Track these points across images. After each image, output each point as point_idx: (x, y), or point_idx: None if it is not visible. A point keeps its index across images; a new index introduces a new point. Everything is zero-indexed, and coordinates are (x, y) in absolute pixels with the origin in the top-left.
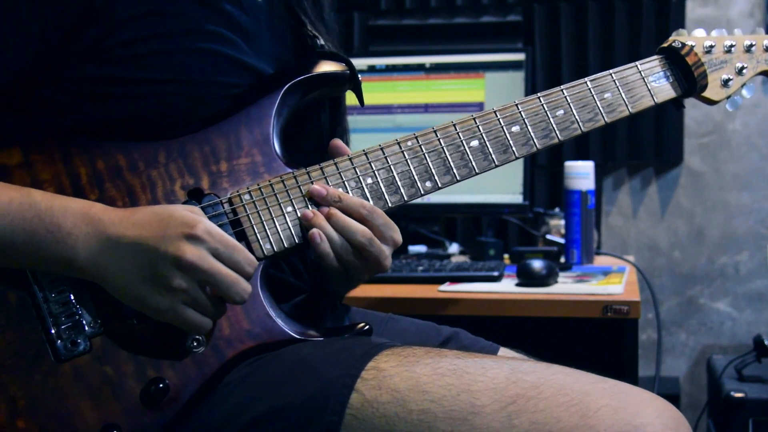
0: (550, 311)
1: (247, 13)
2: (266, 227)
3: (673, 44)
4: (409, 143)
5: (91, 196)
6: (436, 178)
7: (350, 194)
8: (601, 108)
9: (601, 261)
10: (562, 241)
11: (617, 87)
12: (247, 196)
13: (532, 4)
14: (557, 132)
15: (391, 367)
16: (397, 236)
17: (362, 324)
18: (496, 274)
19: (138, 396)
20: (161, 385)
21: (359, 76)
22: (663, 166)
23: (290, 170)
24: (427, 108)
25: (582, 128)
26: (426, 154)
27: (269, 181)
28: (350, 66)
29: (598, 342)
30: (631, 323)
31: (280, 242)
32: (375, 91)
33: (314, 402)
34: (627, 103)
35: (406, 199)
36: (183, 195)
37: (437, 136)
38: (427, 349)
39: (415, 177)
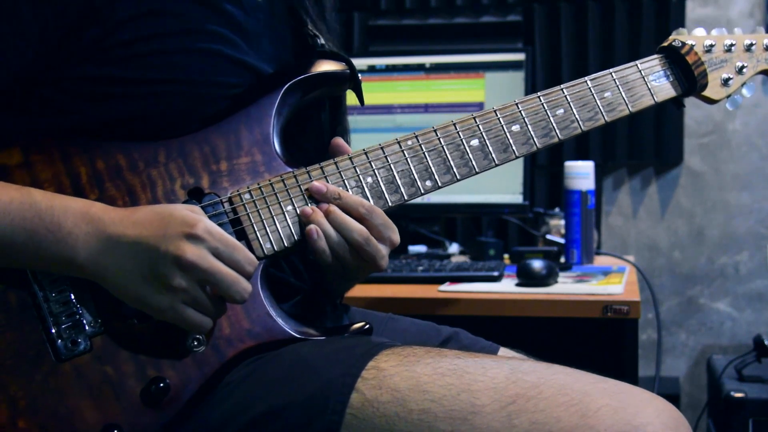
0: (550, 311)
1: (247, 12)
2: (266, 226)
3: (673, 43)
4: (409, 142)
5: (91, 195)
6: (436, 177)
7: (350, 193)
8: (601, 107)
9: (601, 261)
10: (562, 241)
11: (617, 86)
12: (247, 196)
13: (532, 4)
14: (557, 131)
15: (392, 366)
16: (395, 237)
17: (362, 323)
18: (496, 274)
19: (138, 395)
20: (162, 385)
21: (359, 75)
22: (663, 166)
23: (290, 169)
24: (427, 108)
25: (582, 127)
26: (426, 154)
27: (269, 181)
28: (350, 65)
29: (598, 342)
30: (631, 323)
31: (280, 241)
32: (375, 91)
33: (314, 402)
34: (627, 102)
35: (406, 198)
36: (183, 194)
37: (437, 136)
38: (428, 348)
39: (415, 176)
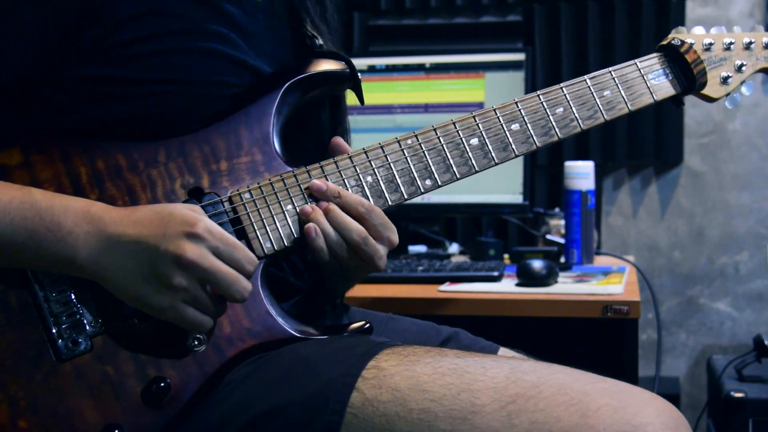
0: (550, 311)
1: (247, 12)
2: (266, 225)
3: (672, 42)
4: (409, 141)
5: (91, 195)
6: (436, 176)
7: (350, 192)
8: (600, 106)
9: (601, 261)
10: (562, 241)
11: (617, 85)
12: (247, 195)
13: (532, 4)
14: (557, 130)
15: (392, 366)
16: (394, 237)
17: (362, 322)
18: (496, 274)
19: (139, 395)
20: (162, 384)
21: (359, 75)
22: (663, 166)
23: (290, 169)
24: (427, 108)
25: (581, 126)
26: (426, 153)
27: (269, 180)
28: (350, 65)
29: (598, 342)
30: (631, 323)
31: (280, 240)
32: (375, 91)
33: (315, 401)
34: (626, 100)
35: (406, 197)
36: (183, 194)
37: (437, 135)
38: (428, 348)
39: (415, 175)
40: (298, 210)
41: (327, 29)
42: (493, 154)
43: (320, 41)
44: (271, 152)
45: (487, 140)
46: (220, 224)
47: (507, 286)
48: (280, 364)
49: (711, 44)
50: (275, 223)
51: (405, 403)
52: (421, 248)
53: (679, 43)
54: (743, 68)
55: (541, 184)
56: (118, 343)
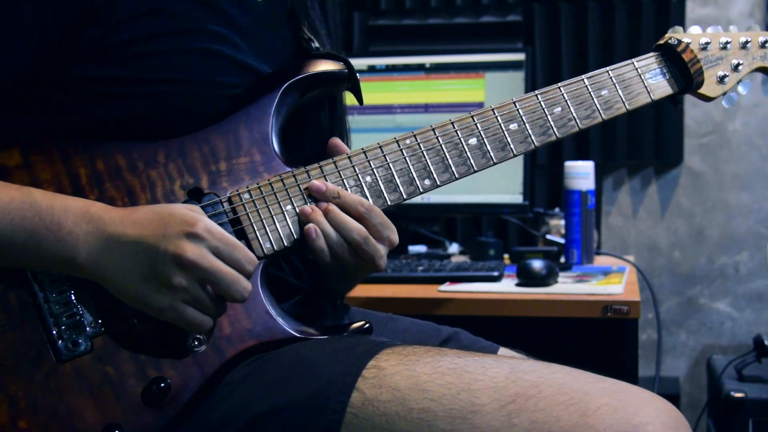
0: (550, 311)
1: (247, 13)
2: (266, 226)
3: (669, 41)
4: (408, 141)
5: (91, 196)
6: (435, 176)
7: (349, 192)
8: (598, 105)
9: (601, 261)
10: (562, 241)
11: (614, 84)
12: (246, 195)
13: (532, 4)
14: (555, 129)
15: (392, 365)
16: (394, 236)
17: (362, 322)
18: (496, 274)
19: (139, 395)
20: (162, 385)
21: (357, 75)
22: (663, 166)
23: (289, 169)
24: (427, 108)
25: (579, 125)
26: (424, 152)
27: (268, 180)
28: (348, 65)
29: (598, 342)
30: (631, 323)
31: (279, 240)
32: (375, 91)
33: (315, 401)
34: (624, 100)
35: (405, 197)
36: (182, 194)
37: (436, 135)
38: (428, 348)
39: (414, 175)
40: (297, 210)
41: (326, 32)
42: (491, 154)
43: (316, 44)
44: (271, 152)
45: (485, 140)
46: (220, 224)
47: (507, 286)
48: (280, 364)
49: (707, 43)
50: (275, 223)
51: (405, 403)
52: (421, 248)
53: (676, 42)
54: (740, 67)
55: (541, 184)
56: (118, 344)
